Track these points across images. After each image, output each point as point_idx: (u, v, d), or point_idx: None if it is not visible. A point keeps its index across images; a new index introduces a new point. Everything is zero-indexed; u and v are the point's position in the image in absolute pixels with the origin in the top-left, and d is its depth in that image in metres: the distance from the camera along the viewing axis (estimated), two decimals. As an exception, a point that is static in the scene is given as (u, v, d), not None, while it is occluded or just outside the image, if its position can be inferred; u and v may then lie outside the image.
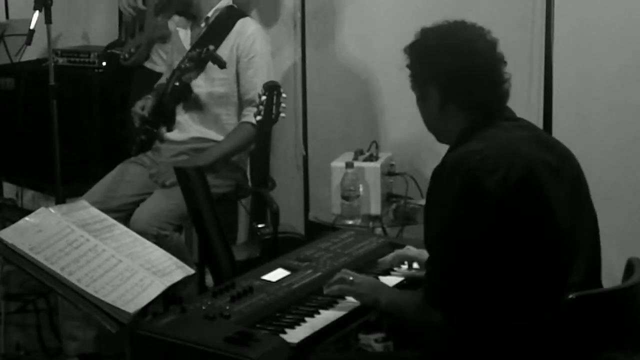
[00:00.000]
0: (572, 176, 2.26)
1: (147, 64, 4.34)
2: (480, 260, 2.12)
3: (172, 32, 4.05)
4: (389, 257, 2.67)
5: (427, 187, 3.36)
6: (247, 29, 3.73)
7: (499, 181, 2.10)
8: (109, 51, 4.48)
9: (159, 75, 4.07)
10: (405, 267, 2.67)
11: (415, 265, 2.65)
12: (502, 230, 2.10)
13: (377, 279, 2.57)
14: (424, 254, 2.64)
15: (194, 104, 3.74)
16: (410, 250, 2.67)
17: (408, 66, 2.35)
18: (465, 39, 2.27)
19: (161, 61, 4.27)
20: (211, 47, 3.56)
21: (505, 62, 2.29)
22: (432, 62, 2.27)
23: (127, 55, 4.38)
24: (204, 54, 3.53)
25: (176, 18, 3.93)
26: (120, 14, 4.68)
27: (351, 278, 2.39)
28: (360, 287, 2.37)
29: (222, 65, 3.57)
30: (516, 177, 2.11)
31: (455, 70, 2.24)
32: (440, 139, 2.37)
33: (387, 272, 2.64)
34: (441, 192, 2.17)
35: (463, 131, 2.26)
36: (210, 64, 3.59)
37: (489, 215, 2.10)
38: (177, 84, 3.65)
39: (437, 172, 2.22)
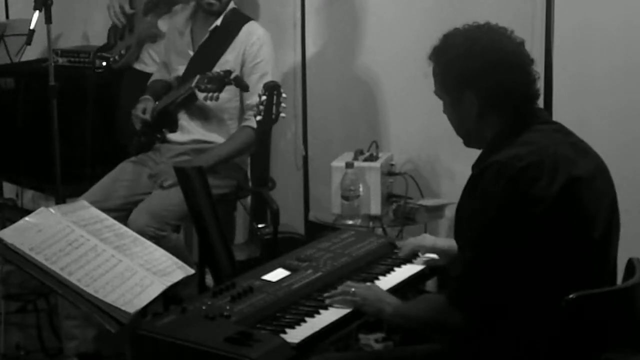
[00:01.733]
0: (606, 184, 2.27)
1: (137, 65, 4.34)
2: (514, 267, 2.11)
3: (167, 32, 4.05)
4: (406, 249, 2.71)
5: (426, 187, 3.37)
6: (253, 34, 3.73)
7: (541, 189, 2.09)
8: (98, 54, 4.48)
9: (149, 75, 4.06)
10: (422, 257, 2.70)
11: (432, 255, 2.68)
12: (541, 238, 2.10)
13: (379, 279, 2.58)
14: (439, 242, 2.65)
15: (198, 110, 3.74)
16: (427, 239, 2.70)
17: (435, 73, 2.31)
18: (494, 40, 2.25)
19: (151, 61, 4.27)
20: (233, 72, 3.54)
21: (533, 62, 2.28)
22: (464, 66, 2.24)
23: (117, 58, 4.38)
24: (227, 78, 3.49)
25: (179, 20, 3.92)
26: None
27: (353, 289, 2.38)
28: (364, 298, 2.36)
29: (245, 89, 3.57)
30: (559, 185, 2.11)
31: (490, 73, 2.21)
32: (471, 143, 2.34)
33: (386, 272, 2.64)
34: (481, 196, 2.15)
35: (499, 135, 2.24)
36: None
37: (530, 223, 2.09)
38: (187, 96, 3.64)
39: (478, 176, 2.19)
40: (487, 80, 2.22)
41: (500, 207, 2.11)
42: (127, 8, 4.31)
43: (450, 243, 2.56)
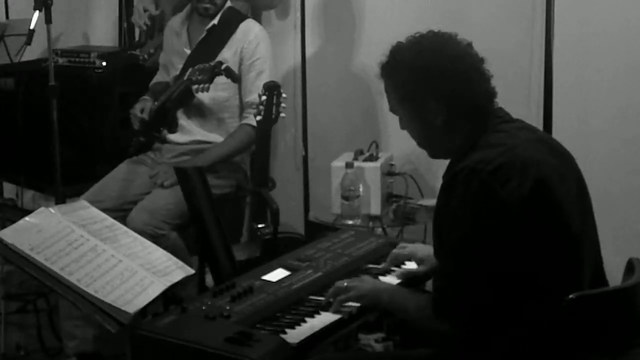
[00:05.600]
0: (575, 178, 2.26)
1: None
2: (495, 272, 2.10)
3: (164, 35, 4.04)
4: (385, 263, 2.67)
5: (426, 187, 3.36)
6: (250, 31, 3.73)
7: (513, 190, 2.08)
8: (128, 52, 4.48)
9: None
10: (404, 266, 2.67)
11: (412, 264, 2.65)
12: (519, 239, 2.09)
13: (378, 279, 2.57)
14: (418, 249, 2.64)
15: (196, 109, 3.74)
16: (406, 248, 2.67)
17: (387, 89, 2.31)
18: (440, 46, 2.25)
19: None
20: (225, 63, 3.54)
21: (485, 60, 2.28)
22: (417, 77, 2.23)
23: (146, 56, 4.38)
24: (217, 69, 3.50)
25: (175, 21, 3.92)
26: (120, 15, 4.69)
27: (345, 284, 2.37)
28: (358, 289, 2.36)
29: (236, 79, 3.57)
30: (530, 184, 2.10)
31: (442, 79, 2.21)
32: (438, 154, 2.33)
33: (386, 272, 2.64)
34: (454, 204, 2.14)
35: (466, 140, 2.24)
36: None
37: (506, 225, 2.08)
38: (182, 90, 3.64)
39: (448, 184, 2.19)
40: (442, 86, 2.22)
41: (474, 212, 2.10)
42: (152, 9, 4.28)
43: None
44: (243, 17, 3.80)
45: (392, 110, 2.34)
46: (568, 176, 2.22)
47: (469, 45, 2.28)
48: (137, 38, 4.50)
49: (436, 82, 2.22)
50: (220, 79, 3.57)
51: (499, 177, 2.10)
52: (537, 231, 2.10)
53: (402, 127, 2.35)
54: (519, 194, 2.08)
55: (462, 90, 2.22)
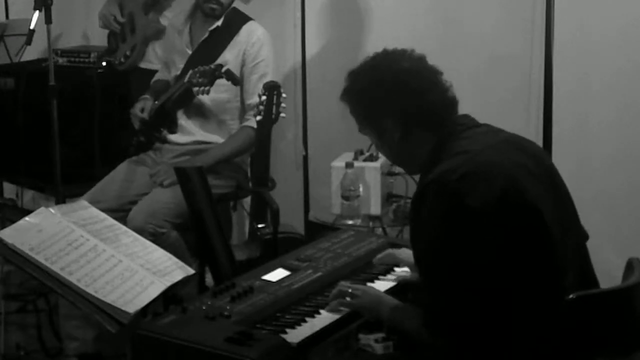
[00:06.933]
0: (548, 175, 2.24)
1: (142, 64, 4.34)
2: (476, 281, 2.08)
3: (166, 32, 4.05)
4: (381, 255, 2.66)
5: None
6: (254, 34, 3.73)
7: (481, 197, 2.06)
8: (103, 59, 4.49)
9: (156, 72, 4.07)
10: (399, 269, 2.66)
11: (405, 268, 2.65)
12: (495, 245, 2.07)
13: (378, 279, 2.57)
14: (404, 255, 2.63)
15: (197, 109, 3.74)
16: (403, 252, 2.64)
17: (352, 112, 2.35)
18: (392, 63, 2.28)
19: (156, 58, 4.27)
20: (225, 66, 3.54)
21: (441, 72, 2.29)
22: (371, 97, 2.27)
23: (122, 59, 4.39)
24: (218, 72, 3.50)
25: (177, 19, 3.93)
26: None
27: (350, 290, 2.37)
28: (361, 300, 2.35)
29: (236, 82, 3.57)
30: (498, 188, 2.08)
31: (396, 95, 2.23)
32: (412, 170, 2.35)
33: (384, 274, 2.64)
34: (424, 219, 2.13)
35: (430, 151, 2.23)
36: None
37: (479, 233, 2.06)
38: (182, 92, 3.64)
39: (417, 198, 2.18)
40: (396, 103, 2.24)
41: (445, 224, 2.09)
42: (118, 15, 4.35)
43: None
44: (246, 19, 3.80)
45: (360, 132, 2.37)
46: (540, 175, 2.20)
47: (422, 58, 2.30)
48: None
49: (388, 98, 2.25)
50: (222, 81, 3.56)
51: (465, 185, 2.08)
52: (512, 234, 2.08)
53: (376, 148, 2.37)
54: (488, 199, 2.06)
55: (415, 103, 2.23)
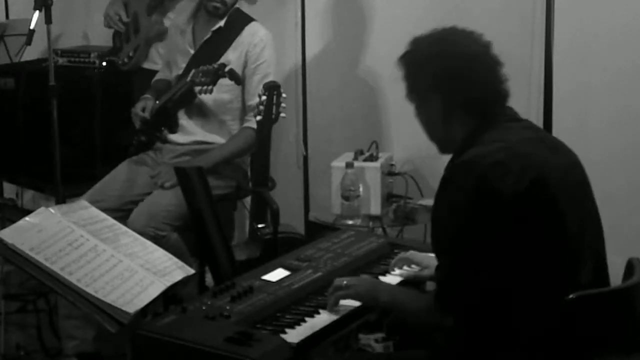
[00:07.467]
0: (578, 178, 2.26)
1: (146, 65, 4.35)
2: (493, 265, 2.11)
3: (168, 31, 4.05)
4: (393, 262, 2.68)
5: (426, 187, 3.36)
6: (256, 35, 3.72)
7: (511, 185, 2.09)
8: (107, 58, 4.49)
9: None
10: (405, 267, 2.67)
11: (413, 266, 2.65)
12: (515, 233, 2.10)
13: (378, 279, 2.57)
14: (426, 259, 2.64)
15: (198, 109, 3.74)
16: (414, 255, 2.66)
17: (404, 77, 2.33)
18: (460, 43, 2.26)
19: (159, 59, 4.27)
20: (228, 66, 3.54)
21: (502, 64, 2.28)
22: (429, 70, 2.26)
23: (126, 60, 4.39)
24: (221, 71, 3.49)
25: (180, 19, 3.92)
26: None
27: (345, 282, 2.38)
28: (357, 287, 2.36)
29: (239, 82, 3.57)
30: (528, 180, 2.10)
31: (454, 75, 2.23)
32: (444, 149, 2.34)
33: (386, 272, 2.64)
34: (452, 198, 2.16)
35: (468, 135, 2.24)
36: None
37: (503, 219, 2.09)
38: (184, 91, 3.64)
39: (447, 178, 2.20)
40: (453, 82, 2.23)
41: (471, 206, 2.11)
42: (123, 15, 4.35)
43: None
44: (249, 20, 3.79)
45: (407, 98, 2.34)
46: (570, 177, 2.22)
47: (488, 45, 2.28)
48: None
49: (443, 78, 2.23)
50: (224, 81, 3.56)
51: (496, 172, 2.10)
52: (531, 226, 2.10)
53: (416, 117, 2.35)
54: (515, 189, 2.09)
55: (467, 90, 2.23)
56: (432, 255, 2.65)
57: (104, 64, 4.48)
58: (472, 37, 2.29)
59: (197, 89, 3.55)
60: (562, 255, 2.14)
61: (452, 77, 2.23)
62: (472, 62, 2.24)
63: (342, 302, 2.37)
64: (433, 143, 2.36)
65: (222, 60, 3.65)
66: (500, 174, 2.10)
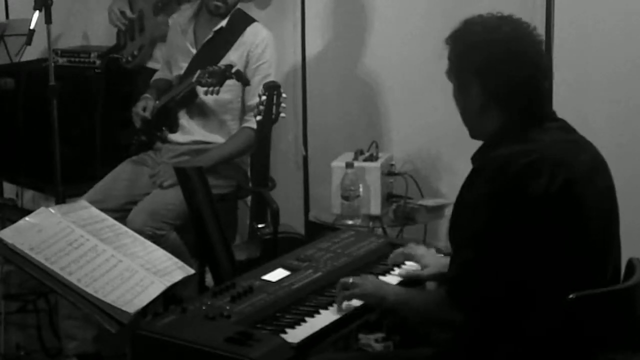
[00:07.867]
0: (606, 184, 2.27)
1: (150, 64, 4.35)
2: (514, 264, 2.10)
3: (169, 31, 4.04)
4: (391, 255, 2.67)
5: (426, 187, 3.34)
6: (258, 35, 3.73)
7: (542, 186, 2.08)
8: (110, 56, 4.49)
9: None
10: (405, 266, 2.67)
11: (412, 264, 2.65)
12: (540, 235, 2.09)
13: (380, 277, 2.57)
14: (425, 256, 2.63)
15: (199, 109, 3.74)
16: (413, 249, 2.66)
17: (448, 56, 2.27)
18: (514, 33, 2.21)
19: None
20: (235, 67, 3.53)
21: (549, 62, 2.25)
22: (476, 56, 2.20)
23: (130, 58, 4.40)
24: (228, 72, 3.48)
25: (181, 18, 3.92)
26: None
27: (351, 281, 2.37)
28: (363, 287, 2.35)
29: (246, 83, 3.57)
30: (559, 183, 2.10)
31: (503, 66, 2.18)
32: (475, 134, 2.30)
33: (386, 272, 2.64)
34: (481, 191, 2.14)
35: (501, 130, 2.22)
36: None
37: (530, 220, 2.08)
38: (187, 92, 3.64)
39: (478, 170, 2.17)
40: (499, 72, 2.19)
41: (500, 202, 2.10)
42: (128, 12, 4.34)
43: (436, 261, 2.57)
44: (251, 20, 3.80)
45: (447, 74, 2.30)
46: (598, 181, 2.22)
47: (541, 43, 2.25)
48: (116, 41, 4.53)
49: (491, 65, 2.19)
50: (227, 81, 3.56)
51: (531, 172, 2.10)
52: (557, 230, 2.10)
53: (453, 96, 2.31)
54: (546, 191, 2.09)
55: (514, 81, 2.18)
56: (432, 251, 2.66)
57: (99, 62, 4.48)
58: (527, 30, 2.24)
59: (204, 89, 3.55)
60: (582, 260, 2.14)
61: (496, 69, 2.19)
62: (523, 61, 2.19)
63: (346, 302, 2.37)
64: (465, 126, 2.32)
65: (224, 60, 3.65)
66: (534, 174, 2.09)
